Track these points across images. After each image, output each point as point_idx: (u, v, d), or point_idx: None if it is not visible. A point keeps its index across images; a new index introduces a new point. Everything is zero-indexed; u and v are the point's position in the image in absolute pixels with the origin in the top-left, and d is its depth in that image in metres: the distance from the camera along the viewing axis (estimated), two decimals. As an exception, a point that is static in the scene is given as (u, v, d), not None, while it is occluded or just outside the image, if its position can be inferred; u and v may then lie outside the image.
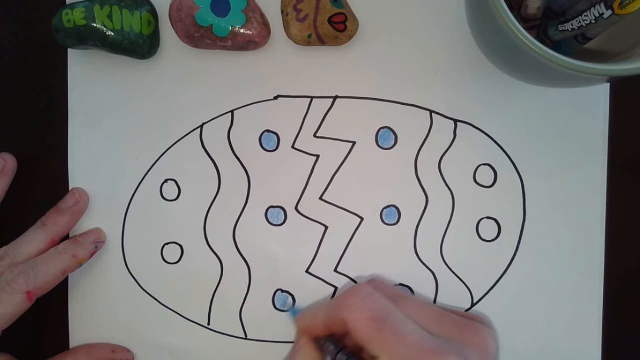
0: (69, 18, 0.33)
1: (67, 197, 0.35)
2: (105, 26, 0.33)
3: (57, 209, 0.35)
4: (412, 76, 0.35)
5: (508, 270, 0.35)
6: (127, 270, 0.36)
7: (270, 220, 0.36)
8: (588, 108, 0.35)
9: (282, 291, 0.36)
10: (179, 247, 0.36)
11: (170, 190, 0.36)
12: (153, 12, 0.35)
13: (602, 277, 0.35)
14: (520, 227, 0.35)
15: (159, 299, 0.36)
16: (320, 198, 0.35)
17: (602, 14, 0.27)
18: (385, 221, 0.35)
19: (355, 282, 0.35)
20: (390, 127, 0.35)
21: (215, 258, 0.36)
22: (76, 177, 0.36)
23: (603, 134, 0.35)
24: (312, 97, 0.35)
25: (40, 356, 0.35)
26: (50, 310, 0.36)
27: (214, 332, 0.36)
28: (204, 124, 0.36)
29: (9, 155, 0.36)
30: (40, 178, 0.36)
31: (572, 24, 0.29)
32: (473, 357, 0.27)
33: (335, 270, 0.35)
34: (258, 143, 0.35)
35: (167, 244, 0.36)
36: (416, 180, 0.35)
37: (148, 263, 0.36)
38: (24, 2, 0.36)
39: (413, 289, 0.35)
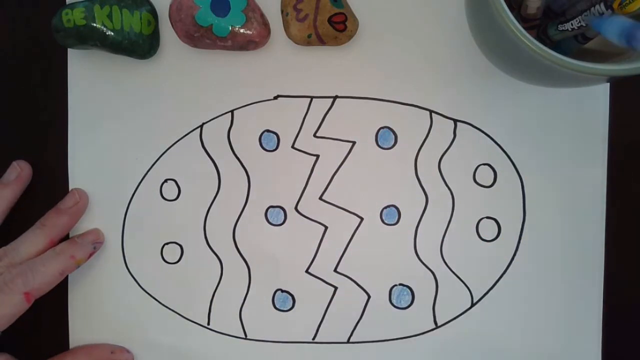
0: (69, 18, 0.33)
1: (67, 198, 0.35)
2: (105, 26, 0.33)
3: (57, 210, 0.35)
4: (412, 76, 0.35)
5: (508, 270, 0.35)
6: (127, 270, 0.36)
7: (270, 220, 0.36)
8: (588, 108, 0.35)
9: (282, 291, 0.36)
10: (179, 247, 0.36)
11: (170, 190, 0.36)
12: (153, 12, 0.35)
13: (602, 277, 0.35)
14: (520, 227, 0.35)
15: (159, 299, 0.36)
16: (320, 198, 0.35)
17: (602, 14, 0.27)
18: (385, 221, 0.35)
19: (355, 282, 0.35)
20: (390, 127, 0.35)
21: (215, 258, 0.36)
22: (76, 178, 0.36)
23: (603, 134, 0.35)
24: (312, 97, 0.35)
25: (40, 356, 0.35)
26: (50, 310, 0.36)
27: (214, 332, 0.36)
28: (204, 124, 0.36)
29: (25, 163, 0.36)
30: (40, 178, 0.36)
31: (572, 24, 0.29)
32: None
33: (335, 270, 0.35)
34: (258, 143, 0.35)
35: (167, 244, 0.36)
36: (416, 180, 0.35)
37: (148, 263, 0.36)
38: (24, 2, 0.36)
39: (413, 289, 0.35)
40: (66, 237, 0.36)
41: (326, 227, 0.35)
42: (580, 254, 0.35)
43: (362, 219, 0.35)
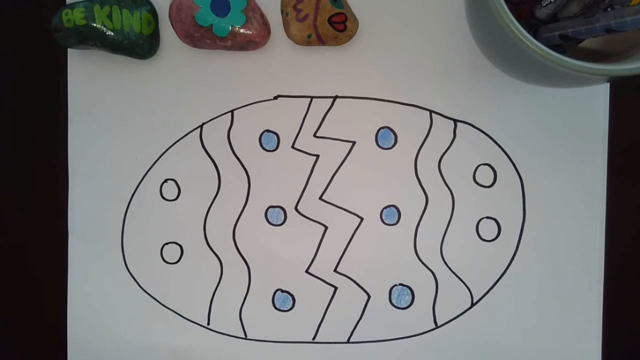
0: (69, 18, 0.33)
1: None
2: (105, 26, 0.33)
3: None
4: (412, 76, 0.35)
5: (508, 270, 0.35)
6: (127, 270, 0.36)
7: (270, 220, 0.36)
8: (588, 108, 0.35)
9: (282, 291, 0.36)
10: (179, 247, 0.36)
11: (170, 190, 0.36)
12: (153, 12, 0.35)
13: (602, 277, 0.35)
14: (520, 227, 0.35)
15: (159, 299, 0.36)
16: (320, 198, 0.35)
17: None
18: (385, 221, 0.35)
19: (355, 282, 0.35)
20: (390, 127, 0.35)
21: (215, 258, 0.36)
22: (76, 177, 0.36)
23: (603, 134, 0.35)
24: (312, 97, 0.35)
25: (39, 356, 0.35)
26: (50, 310, 0.36)
27: (214, 332, 0.36)
28: (204, 124, 0.36)
29: None
30: (40, 178, 0.36)
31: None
32: None
33: (335, 270, 0.35)
34: (258, 143, 0.35)
35: (167, 244, 0.36)
36: (416, 180, 0.35)
37: (148, 263, 0.36)
38: (25, 2, 0.36)
39: (413, 289, 0.35)
40: (66, 235, 0.36)
41: (326, 227, 0.35)
42: (580, 254, 0.35)
43: (362, 219, 0.35)
